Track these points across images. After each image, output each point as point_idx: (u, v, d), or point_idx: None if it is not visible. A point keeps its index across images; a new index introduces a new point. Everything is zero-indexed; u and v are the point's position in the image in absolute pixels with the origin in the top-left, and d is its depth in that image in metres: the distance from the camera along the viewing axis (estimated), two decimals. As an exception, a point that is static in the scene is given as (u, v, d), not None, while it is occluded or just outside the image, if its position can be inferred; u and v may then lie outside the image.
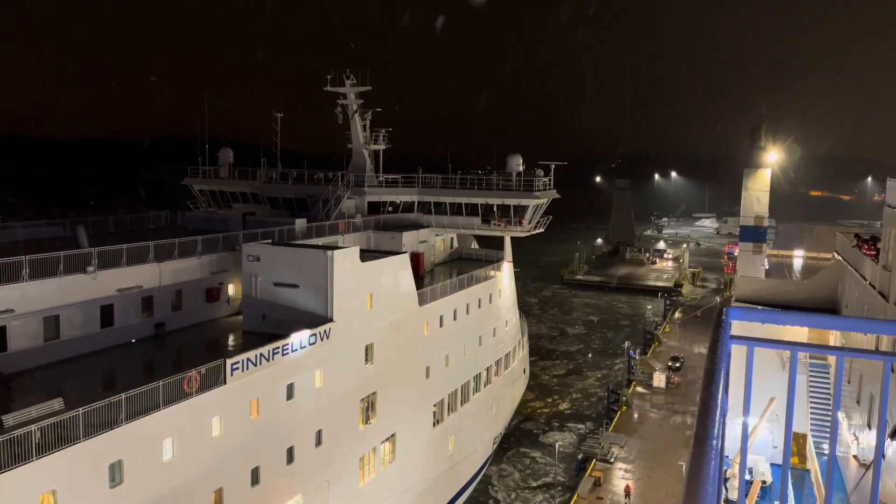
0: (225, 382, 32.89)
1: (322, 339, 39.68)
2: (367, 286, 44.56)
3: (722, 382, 4.05)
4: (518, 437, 73.30)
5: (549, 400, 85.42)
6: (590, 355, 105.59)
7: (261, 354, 35.02)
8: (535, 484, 64.44)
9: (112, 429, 27.44)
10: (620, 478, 58.91)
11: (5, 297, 33.05)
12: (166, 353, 39.34)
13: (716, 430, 3.54)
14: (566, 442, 72.39)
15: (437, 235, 68.31)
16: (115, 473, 27.99)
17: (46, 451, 25.17)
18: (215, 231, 48.37)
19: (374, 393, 45.56)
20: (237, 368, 33.50)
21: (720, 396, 3.88)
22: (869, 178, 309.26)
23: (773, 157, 67.13)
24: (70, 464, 26.00)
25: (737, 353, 4.62)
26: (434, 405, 53.82)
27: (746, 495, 37.80)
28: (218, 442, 33.00)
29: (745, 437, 4.96)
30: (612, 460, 61.26)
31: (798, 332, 31.43)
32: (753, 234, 65.28)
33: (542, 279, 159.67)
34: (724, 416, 3.97)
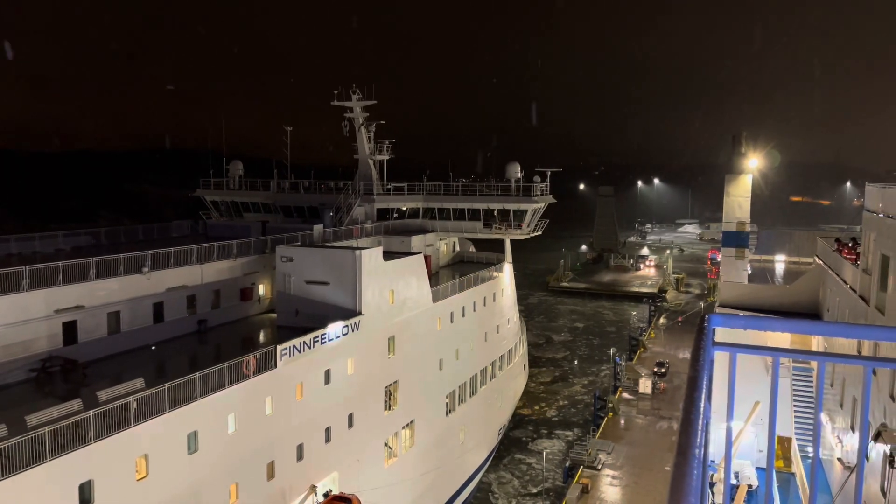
0: (276, 366, 36.90)
1: (353, 331, 43.73)
2: (389, 283, 48.65)
3: (704, 390, 4.02)
4: (508, 445, 74.31)
5: (537, 407, 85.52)
6: (576, 362, 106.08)
7: (304, 342, 39.05)
8: (535, 490, 65.54)
9: (189, 403, 31.36)
10: (608, 484, 59.06)
11: (77, 294, 36.82)
12: (211, 348, 43.08)
13: (699, 439, 3.52)
14: (554, 449, 72.87)
15: (440, 239, 72.57)
16: (191, 442, 31.89)
17: (139, 420, 29.07)
18: (237, 238, 51.36)
19: (395, 382, 49.61)
20: (286, 354, 37.52)
21: (703, 405, 3.86)
22: (848, 183, 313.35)
23: (753, 163, 69.95)
24: (158, 432, 29.86)
25: (721, 358, 4.67)
26: (446, 396, 57.92)
27: (732, 499, 37.92)
28: (270, 419, 36.95)
29: (729, 441, 4.98)
30: (599, 467, 60.69)
31: (781, 336, 32.51)
32: (736, 240, 66.99)
33: (528, 286, 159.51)
34: (707, 424, 3.97)
